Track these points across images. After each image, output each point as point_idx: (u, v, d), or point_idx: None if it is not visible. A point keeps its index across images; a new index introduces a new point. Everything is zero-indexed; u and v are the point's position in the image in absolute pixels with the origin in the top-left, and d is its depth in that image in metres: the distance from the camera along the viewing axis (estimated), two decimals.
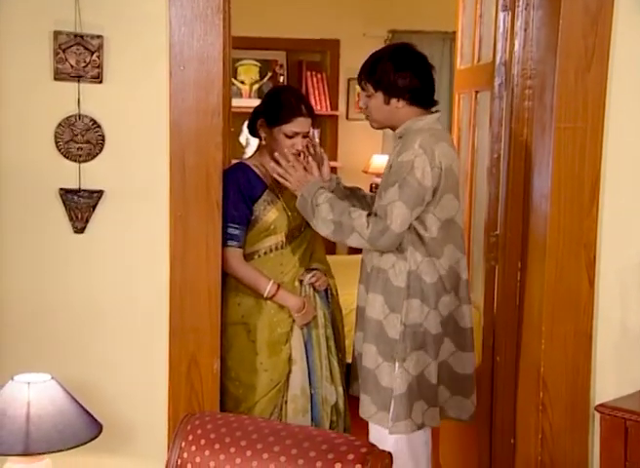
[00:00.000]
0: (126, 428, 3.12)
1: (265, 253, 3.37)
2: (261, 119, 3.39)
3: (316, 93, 7.43)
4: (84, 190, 3.04)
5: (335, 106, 7.50)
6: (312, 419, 3.36)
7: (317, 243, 3.49)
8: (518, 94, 3.32)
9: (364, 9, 7.23)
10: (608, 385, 3.17)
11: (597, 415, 3.03)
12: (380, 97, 3.17)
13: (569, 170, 3.10)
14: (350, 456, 2.21)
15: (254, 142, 3.64)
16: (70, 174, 3.03)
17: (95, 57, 2.98)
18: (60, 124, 3.01)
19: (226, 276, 3.28)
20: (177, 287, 3.09)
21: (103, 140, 3.04)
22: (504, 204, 3.41)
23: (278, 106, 3.35)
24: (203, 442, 2.36)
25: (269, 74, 7.29)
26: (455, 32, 4.45)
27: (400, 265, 3.11)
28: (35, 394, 2.67)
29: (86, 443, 2.71)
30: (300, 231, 3.39)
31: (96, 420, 2.80)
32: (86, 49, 2.97)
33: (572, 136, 3.09)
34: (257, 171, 3.40)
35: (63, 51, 2.97)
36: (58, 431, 2.64)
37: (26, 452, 2.60)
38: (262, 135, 3.41)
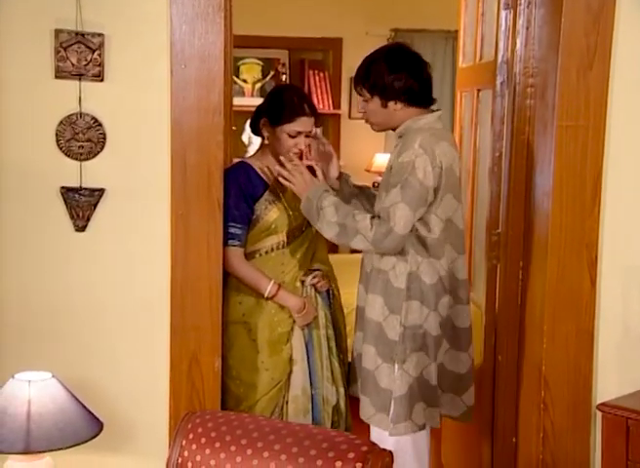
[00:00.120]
0: (127, 426, 3.12)
1: (267, 252, 3.37)
2: (264, 118, 3.38)
3: (318, 91, 7.42)
4: (85, 188, 3.04)
5: (337, 105, 7.50)
6: (313, 420, 3.36)
7: (319, 243, 3.49)
8: (520, 92, 3.32)
9: (367, 7, 7.22)
10: (609, 384, 3.16)
11: (599, 414, 3.02)
12: (376, 100, 3.16)
13: (571, 168, 3.09)
14: (351, 455, 2.22)
15: (256, 141, 3.64)
16: (71, 172, 3.03)
17: (96, 55, 2.98)
18: (61, 122, 3.01)
19: (228, 275, 3.28)
20: (178, 285, 3.09)
21: (105, 139, 3.04)
22: (506, 202, 3.40)
23: (281, 106, 3.35)
24: (204, 440, 2.37)
25: (272, 73, 7.28)
26: (457, 31, 4.45)
27: (400, 267, 3.10)
28: (36, 392, 2.68)
29: (87, 441, 2.72)
30: (301, 231, 3.38)
31: (96, 418, 2.81)
32: (87, 47, 2.97)
33: (574, 135, 3.08)
34: (258, 170, 3.40)
35: (65, 49, 2.97)
36: (58, 429, 2.64)
37: (27, 451, 2.61)
38: (265, 134, 3.40)
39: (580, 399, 3.17)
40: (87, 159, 3.04)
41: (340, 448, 2.24)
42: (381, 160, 7.04)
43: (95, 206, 3.05)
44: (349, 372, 3.44)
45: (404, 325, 3.09)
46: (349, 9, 7.24)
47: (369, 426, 3.23)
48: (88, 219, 3.06)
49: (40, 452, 2.66)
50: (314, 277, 3.44)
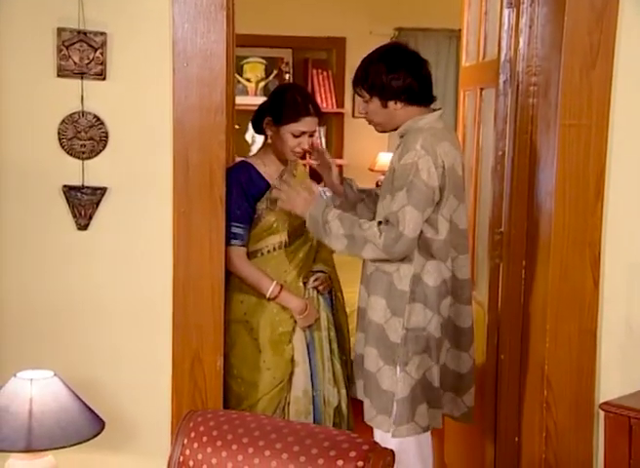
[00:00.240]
0: (129, 425, 3.12)
1: (269, 251, 3.37)
2: (268, 117, 3.38)
3: (322, 90, 7.42)
4: (87, 187, 3.04)
5: (341, 104, 7.49)
6: (314, 422, 3.35)
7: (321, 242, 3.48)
8: (523, 91, 3.31)
9: (370, 6, 7.22)
10: (612, 384, 3.15)
11: (601, 414, 3.02)
12: (376, 101, 3.15)
13: (573, 167, 3.09)
14: (352, 453, 2.21)
15: (259, 140, 3.64)
16: (74, 170, 3.03)
17: (98, 53, 2.98)
18: (63, 121, 3.01)
19: (230, 274, 3.27)
20: (180, 283, 3.09)
21: (107, 137, 3.04)
22: (509, 201, 3.40)
23: (285, 105, 3.34)
24: (205, 439, 2.37)
25: (275, 72, 7.28)
26: (461, 30, 4.44)
27: (405, 269, 3.09)
28: (38, 390, 2.68)
29: (88, 439, 2.72)
30: (302, 230, 3.37)
31: (98, 417, 2.81)
32: (89, 46, 2.97)
33: (576, 134, 3.08)
34: (259, 169, 3.40)
35: (67, 47, 2.97)
36: (60, 428, 2.65)
37: (29, 449, 2.61)
38: (268, 133, 3.40)
39: (583, 398, 3.16)
40: (89, 158, 3.04)
41: (342, 447, 2.23)
42: (385, 159, 7.04)
43: (97, 204, 3.05)
44: (350, 373, 3.44)
45: (406, 327, 3.08)
46: (353, 8, 7.23)
47: (372, 428, 3.21)
48: (90, 218, 3.06)
49: (42, 451, 2.66)
50: (316, 279, 3.43)
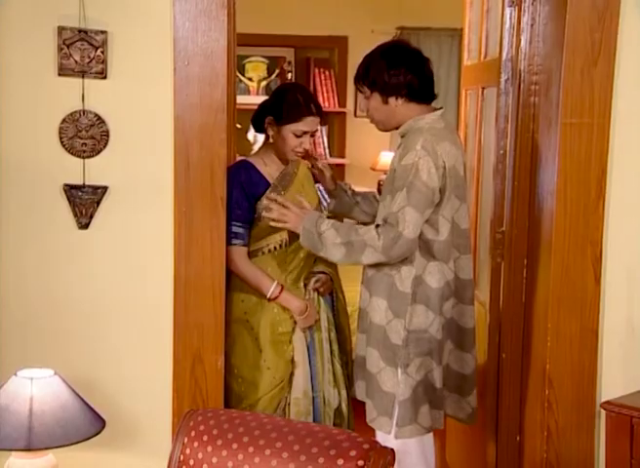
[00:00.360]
0: (130, 424, 3.12)
1: (269, 250, 3.36)
2: (269, 117, 3.37)
3: (324, 90, 7.41)
4: (88, 186, 3.04)
5: (343, 103, 7.48)
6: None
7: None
8: (524, 89, 3.31)
9: (372, 5, 7.21)
10: (614, 383, 3.15)
11: (603, 413, 3.02)
12: (377, 97, 3.15)
13: (575, 166, 3.08)
14: (352, 453, 2.21)
15: (261, 139, 3.64)
16: (75, 169, 3.03)
17: (99, 52, 2.98)
18: (64, 120, 3.01)
19: (231, 274, 3.27)
20: (181, 282, 3.09)
21: (108, 136, 3.04)
22: (510, 200, 3.39)
23: (287, 105, 3.34)
24: (205, 438, 2.36)
25: (277, 71, 7.27)
26: (463, 29, 4.43)
27: (406, 270, 3.08)
28: (38, 389, 2.68)
29: (89, 438, 2.73)
30: None
31: (99, 416, 2.81)
32: (90, 44, 2.97)
33: (578, 132, 3.07)
34: (260, 168, 3.40)
35: (68, 46, 2.97)
36: (60, 426, 2.65)
37: (29, 448, 2.61)
38: (270, 132, 3.40)
39: (584, 397, 3.16)
40: (90, 156, 3.04)
41: (342, 446, 2.23)
42: (387, 158, 7.03)
43: (98, 203, 3.05)
44: (351, 374, 3.43)
45: (408, 329, 3.07)
46: (355, 7, 7.22)
47: (374, 429, 3.20)
48: (91, 217, 3.06)
49: (42, 450, 2.66)
50: (317, 280, 3.43)
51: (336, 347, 3.46)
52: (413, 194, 2.98)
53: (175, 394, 3.11)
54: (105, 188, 3.05)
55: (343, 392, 3.44)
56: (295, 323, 3.35)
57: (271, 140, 3.42)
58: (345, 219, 3.69)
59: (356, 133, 7.42)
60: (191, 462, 2.36)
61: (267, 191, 3.35)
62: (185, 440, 2.40)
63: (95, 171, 3.04)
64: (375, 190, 6.19)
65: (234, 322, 3.30)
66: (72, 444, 2.68)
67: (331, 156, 7.45)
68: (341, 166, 7.49)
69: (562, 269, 3.11)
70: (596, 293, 3.13)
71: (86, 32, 2.96)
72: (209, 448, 2.34)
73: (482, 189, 3.93)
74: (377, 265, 3.15)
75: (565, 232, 3.10)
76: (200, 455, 2.35)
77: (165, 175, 3.06)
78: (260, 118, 3.43)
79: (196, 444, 2.37)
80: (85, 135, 3.02)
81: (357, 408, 3.41)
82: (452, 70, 7.08)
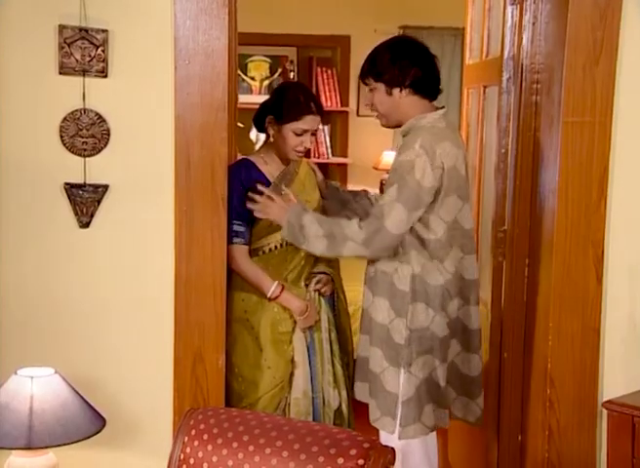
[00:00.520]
0: (131, 422, 3.12)
1: (270, 250, 3.35)
2: (270, 116, 3.37)
3: (327, 89, 7.41)
4: (89, 185, 3.03)
5: (345, 102, 7.48)
6: None
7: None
8: (526, 88, 3.30)
9: (375, 5, 7.20)
10: (615, 382, 3.14)
11: (604, 412, 3.01)
12: (381, 88, 3.14)
13: (576, 164, 3.07)
14: (353, 451, 2.20)
15: (263, 138, 3.63)
16: (75, 168, 3.03)
17: (100, 51, 2.98)
18: (65, 118, 3.00)
19: (232, 272, 3.26)
20: (182, 281, 3.08)
21: (108, 135, 3.03)
22: (512, 199, 3.39)
23: (287, 103, 3.33)
24: (206, 436, 2.36)
25: (280, 70, 7.27)
26: (465, 28, 4.43)
27: (403, 269, 3.08)
28: (38, 388, 2.68)
29: (89, 437, 2.73)
30: None
31: (99, 415, 2.81)
32: (91, 43, 2.97)
33: (579, 131, 3.07)
34: (260, 167, 3.39)
35: (69, 45, 2.96)
36: (60, 425, 2.65)
37: (29, 446, 2.61)
38: (270, 131, 3.39)
39: (586, 396, 3.15)
40: (91, 155, 3.03)
41: (342, 445, 2.23)
42: (389, 157, 7.02)
43: (98, 202, 3.05)
44: (353, 375, 3.42)
45: (410, 328, 3.07)
46: (357, 6, 7.21)
47: (375, 430, 3.19)
48: (92, 216, 3.05)
49: (42, 448, 2.66)
50: (318, 281, 3.42)
51: (336, 348, 3.45)
52: (403, 190, 2.98)
53: (175, 393, 3.11)
54: (106, 187, 3.05)
55: (344, 393, 3.43)
56: (295, 323, 3.34)
57: (272, 140, 3.41)
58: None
59: (359, 132, 7.42)
60: (191, 461, 2.36)
61: (268, 190, 3.34)
62: (186, 438, 2.40)
63: (95, 169, 3.04)
64: (375, 190, 6.19)
65: (234, 321, 3.29)
66: (72, 442, 2.68)
67: (333, 155, 7.45)
68: (344, 165, 7.48)
69: (563, 268, 3.11)
70: (598, 292, 3.12)
71: (87, 31, 2.96)
72: (209, 447, 2.34)
73: (484, 188, 3.92)
74: (376, 265, 3.15)
75: (566, 231, 3.10)
76: (200, 454, 2.35)
77: (166, 174, 3.05)
78: (261, 118, 3.42)
79: (196, 442, 2.37)
80: (86, 133, 3.01)
81: (357, 408, 3.41)
82: (454, 69, 7.07)
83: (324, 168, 7.23)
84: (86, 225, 3.06)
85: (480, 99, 3.99)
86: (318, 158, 7.22)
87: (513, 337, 3.40)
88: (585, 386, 3.15)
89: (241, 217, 3.28)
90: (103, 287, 3.10)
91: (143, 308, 3.11)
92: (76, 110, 3.00)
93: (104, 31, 2.98)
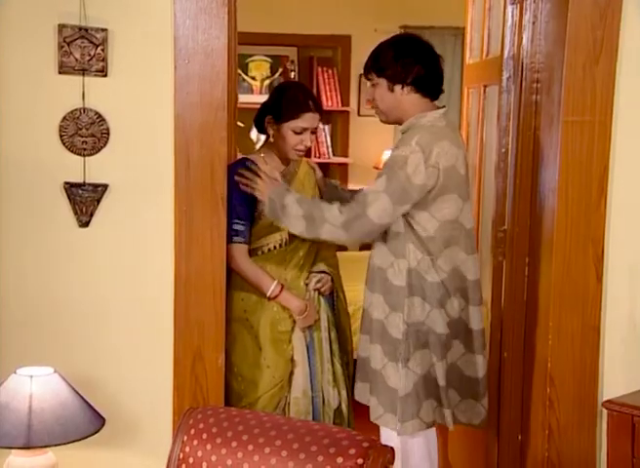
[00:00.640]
0: (130, 422, 3.12)
1: (269, 250, 3.35)
2: (269, 116, 3.37)
3: (327, 89, 7.41)
4: (89, 184, 3.03)
5: (346, 102, 7.48)
6: None
7: (323, 241, 3.46)
8: (526, 87, 3.30)
9: (375, 4, 7.21)
10: (616, 381, 3.15)
11: (604, 412, 3.01)
12: (383, 84, 3.14)
13: (576, 164, 3.08)
14: (352, 451, 2.20)
15: (264, 138, 3.63)
16: (75, 167, 3.02)
17: (99, 50, 2.97)
18: (64, 117, 3.00)
19: (231, 272, 3.26)
20: (181, 281, 3.08)
21: (108, 134, 3.03)
22: (512, 199, 3.39)
23: (285, 102, 3.33)
24: (205, 436, 2.36)
25: (280, 70, 7.27)
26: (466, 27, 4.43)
27: (399, 264, 3.08)
28: (37, 387, 2.68)
29: (88, 436, 2.72)
30: None
31: (98, 414, 2.80)
32: (90, 42, 2.97)
33: (579, 130, 3.07)
34: (260, 166, 3.38)
35: (68, 44, 2.96)
36: (60, 424, 2.64)
37: (28, 445, 2.61)
38: (270, 131, 3.39)
39: (586, 396, 3.16)
40: (90, 154, 3.03)
41: (342, 444, 2.22)
42: None
43: (98, 201, 3.05)
44: (354, 375, 3.41)
45: (407, 322, 3.06)
46: (358, 6, 7.22)
47: (375, 430, 3.18)
48: (91, 215, 3.05)
49: (41, 447, 2.66)
50: (318, 281, 3.41)
51: (336, 347, 3.45)
52: (392, 182, 2.99)
53: (175, 392, 3.11)
54: (106, 186, 3.05)
55: (344, 392, 3.42)
56: (294, 322, 3.34)
57: (272, 140, 3.41)
58: None
59: (359, 132, 7.43)
60: (190, 460, 2.36)
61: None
62: (185, 438, 2.39)
63: (95, 169, 3.04)
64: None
65: (234, 320, 3.29)
66: (72, 442, 2.67)
67: (334, 155, 7.45)
68: (344, 165, 7.48)
69: (563, 267, 3.11)
70: (598, 291, 3.12)
71: (86, 30, 2.96)
72: (208, 447, 2.34)
73: (484, 187, 3.92)
74: (372, 261, 3.15)
75: (566, 230, 3.10)
76: (199, 453, 2.35)
77: (165, 174, 3.05)
78: (261, 118, 3.42)
79: (195, 442, 2.36)
80: (85, 133, 3.01)
81: (357, 408, 3.41)
82: (455, 69, 7.07)
83: (325, 167, 7.24)
84: (85, 225, 3.06)
85: (480, 99, 3.98)
86: (319, 158, 7.23)
87: (513, 337, 3.40)
88: (585, 385, 3.15)
89: (241, 217, 3.28)
90: (103, 286, 3.10)
91: (143, 307, 3.11)
92: (76, 109, 3.00)
93: (104, 30, 2.97)
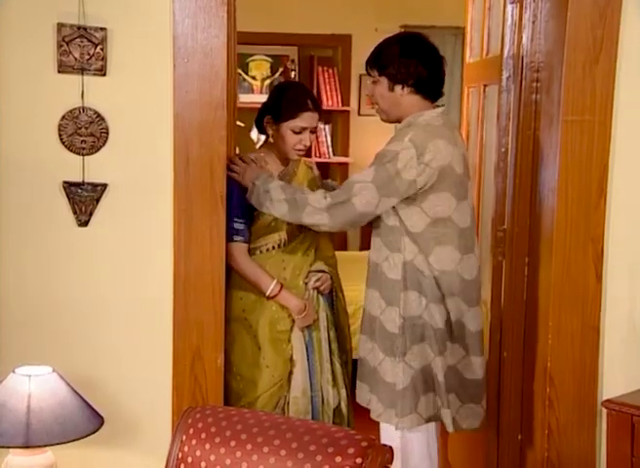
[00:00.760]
0: (129, 421, 3.12)
1: (267, 250, 3.34)
2: (268, 116, 3.36)
3: (327, 88, 7.41)
4: (88, 183, 3.03)
5: (346, 102, 7.49)
6: None
7: (322, 240, 3.46)
8: (526, 87, 3.30)
9: (376, 4, 7.21)
10: (615, 381, 3.14)
11: (604, 411, 3.01)
12: (384, 82, 3.13)
13: (576, 163, 3.07)
14: (351, 450, 2.20)
15: (264, 138, 3.63)
16: (74, 167, 3.02)
17: (98, 49, 2.97)
18: (63, 117, 3.00)
19: (230, 271, 3.26)
20: (181, 280, 3.08)
21: (107, 133, 3.03)
22: (512, 198, 3.38)
23: (284, 102, 3.33)
24: (204, 435, 2.36)
25: (281, 70, 7.28)
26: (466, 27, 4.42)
27: (394, 257, 3.07)
28: (36, 386, 2.68)
29: (87, 436, 2.72)
30: (301, 230, 3.33)
31: (97, 413, 2.81)
32: (90, 41, 2.97)
33: (579, 129, 3.06)
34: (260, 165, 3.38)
35: (67, 43, 2.96)
36: (58, 424, 2.64)
37: (27, 445, 2.61)
38: (269, 131, 3.38)
39: (586, 395, 3.15)
40: (89, 154, 3.03)
41: (340, 444, 2.22)
42: None
43: (97, 201, 3.05)
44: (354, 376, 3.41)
45: (403, 316, 3.06)
46: (358, 5, 7.22)
47: (374, 429, 3.16)
48: (90, 214, 3.05)
49: (40, 447, 2.66)
50: (318, 279, 3.41)
51: (335, 346, 3.45)
52: (380, 174, 3.00)
53: (174, 392, 3.11)
54: (105, 186, 3.04)
55: (343, 392, 3.42)
56: (293, 321, 3.34)
57: (271, 140, 3.41)
58: None
59: (360, 131, 7.42)
60: (189, 460, 2.36)
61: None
62: (184, 437, 2.39)
63: (94, 168, 3.03)
64: None
65: (233, 320, 3.29)
66: (70, 441, 2.67)
67: (334, 155, 7.45)
68: (345, 165, 7.48)
69: (563, 267, 3.11)
70: (597, 291, 3.12)
71: (85, 29, 2.96)
72: (207, 446, 2.34)
73: (484, 187, 3.92)
74: (370, 258, 3.15)
75: (566, 230, 3.10)
76: (198, 453, 2.35)
77: (164, 173, 3.05)
78: (261, 118, 3.42)
79: (194, 441, 2.36)
80: (84, 132, 3.01)
81: (357, 408, 3.40)
82: (455, 69, 7.07)
83: (325, 167, 7.25)
84: (85, 224, 3.06)
85: (480, 98, 3.98)
86: (319, 157, 7.24)
87: (513, 336, 3.39)
88: (585, 385, 3.15)
89: (241, 215, 3.27)
90: (102, 285, 3.10)
91: (142, 307, 3.11)
92: (75, 109, 3.00)
93: (103, 29, 2.97)
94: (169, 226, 3.06)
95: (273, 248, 3.35)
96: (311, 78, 7.36)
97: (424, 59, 3.12)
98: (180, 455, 2.39)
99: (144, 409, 3.13)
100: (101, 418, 2.80)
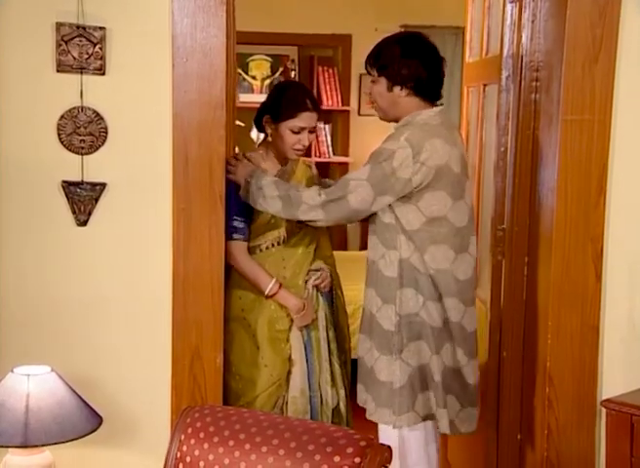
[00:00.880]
0: (128, 421, 3.12)
1: (267, 247, 3.34)
2: (267, 115, 3.36)
3: (328, 88, 7.41)
4: (87, 183, 3.03)
5: (346, 102, 7.48)
6: None
7: (322, 239, 3.46)
8: (525, 86, 3.29)
9: (376, 4, 7.21)
10: (614, 380, 3.14)
11: (603, 411, 3.01)
12: (383, 82, 3.12)
13: (575, 162, 3.07)
14: (349, 450, 2.20)
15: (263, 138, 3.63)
16: (73, 166, 3.02)
17: (97, 48, 2.97)
18: (62, 116, 3.00)
19: (229, 271, 3.26)
20: (180, 280, 3.08)
21: (106, 133, 3.03)
22: (511, 197, 3.38)
23: (282, 102, 3.32)
24: (202, 435, 2.36)
25: (281, 69, 7.28)
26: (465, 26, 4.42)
27: (390, 255, 3.07)
28: (35, 386, 2.68)
29: (85, 435, 2.72)
30: (301, 226, 3.34)
31: (95, 413, 2.81)
32: (88, 40, 2.97)
33: (579, 129, 3.06)
34: (259, 164, 3.37)
35: (66, 42, 2.96)
36: (57, 423, 2.64)
37: (25, 444, 2.61)
38: (268, 131, 3.38)
39: (585, 395, 3.15)
40: (88, 153, 3.03)
41: (339, 443, 2.22)
42: None
43: (96, 200, 3.04)
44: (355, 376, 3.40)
45: (399, 314, 3.05)
46: (358, 5, 7.22)
47: (373, 429, 3.16)
48: (89, 214, 3.05)
49: (38, 446, 2.65)
50: (317, 278, 3.41)
51: (334, 346, 3.44)
52: (376, 172, 2.99)
53: (173, 391, 3.11)
54: (104, 185, 3.04)
55: (342, 391, 3.42)
56: (292, 321, 3.33)
57: (270, 139, 3.40)
58: None
59: (360, 131, 7.42)
60: (188, 459, 2.36)
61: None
62: (182, 437, 2.39)
63: (93, 167, 3.03)
64: None
65: (232, 319, 3.28)
66: (69, 440, 2.67)
67: (334, 154, 7.45)
68: (345, 164, 7.48)
69: (563, 266, 3.10)
70: (597, 290, 3.11)
71: (84, 28, 2.96)
72: (205, 445, 2.34)
73: (483, 186, 3.92)
74: (367, 257, 3.14)
75: (566, 229, 3.09)
76: (197, 452, 2.34)
77: (164, 172, 3.05)
78: (260, 118, 3.41)
79: (193, 441, 2.36)
80: (83, 131, 3.01)
81: (356, 407, 3.40)
82: (455, 68, 7.07)
83: (325, 167, 7.26)
84: (84, 223, 3.05)
85: (480, 98, 3.98)
86: (319, 157, 7.23)
87: (512, 336, 3.39)
88: (584, 385, 3.15)
89: (241, 214, 3.27)
90: (101, 285, 3.09)
91: (141, 306, 3.11)
92: (74, 108, 3.00)
93: (102, 29, 2.97)
94: (168, 226, 3.06)
95: (273, 245, 3.34)
96: (311, 78, 7.35)
97: (425, 61, 3.10)
98: (178, 455, 2.38)
99: (143, 409, 3.13)
100: (100, 418, 2.80)
